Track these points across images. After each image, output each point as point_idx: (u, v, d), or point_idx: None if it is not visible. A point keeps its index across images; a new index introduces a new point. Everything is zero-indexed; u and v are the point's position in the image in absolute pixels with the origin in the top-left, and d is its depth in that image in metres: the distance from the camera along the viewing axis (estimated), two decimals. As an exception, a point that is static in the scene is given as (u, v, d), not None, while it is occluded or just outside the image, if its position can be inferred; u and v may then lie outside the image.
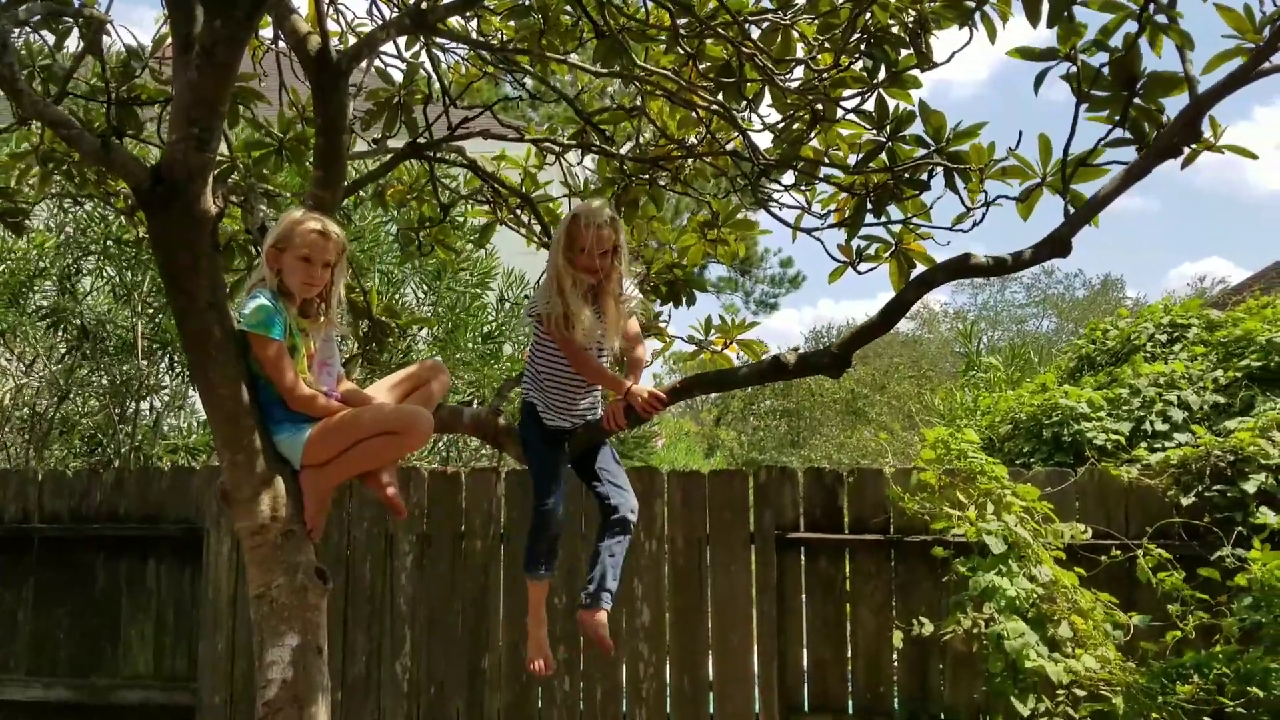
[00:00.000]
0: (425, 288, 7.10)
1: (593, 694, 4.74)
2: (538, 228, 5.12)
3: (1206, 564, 3.97)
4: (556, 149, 5.07)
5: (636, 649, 4.70)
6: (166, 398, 7.09)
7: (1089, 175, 3.38)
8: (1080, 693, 4.00)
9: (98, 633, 5.31)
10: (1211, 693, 3.59)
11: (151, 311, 6.80)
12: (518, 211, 5.26)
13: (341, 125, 3.61)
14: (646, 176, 4.92)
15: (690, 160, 4.74)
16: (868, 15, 3.72)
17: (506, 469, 5.00)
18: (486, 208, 5.24)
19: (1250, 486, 4.17)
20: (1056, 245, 3.02)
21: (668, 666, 4.71)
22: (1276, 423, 4.35)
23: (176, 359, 6.78)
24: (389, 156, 4.33)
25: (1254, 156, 3.27)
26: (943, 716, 4.50)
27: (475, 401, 6.49)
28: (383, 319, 4.99)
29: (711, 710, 4.66)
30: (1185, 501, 4.30)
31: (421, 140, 4.22)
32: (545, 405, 3.49)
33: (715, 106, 4.33)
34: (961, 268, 3.06)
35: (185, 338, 3.01)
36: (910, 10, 3.77)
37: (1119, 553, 4.13)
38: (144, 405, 6.95)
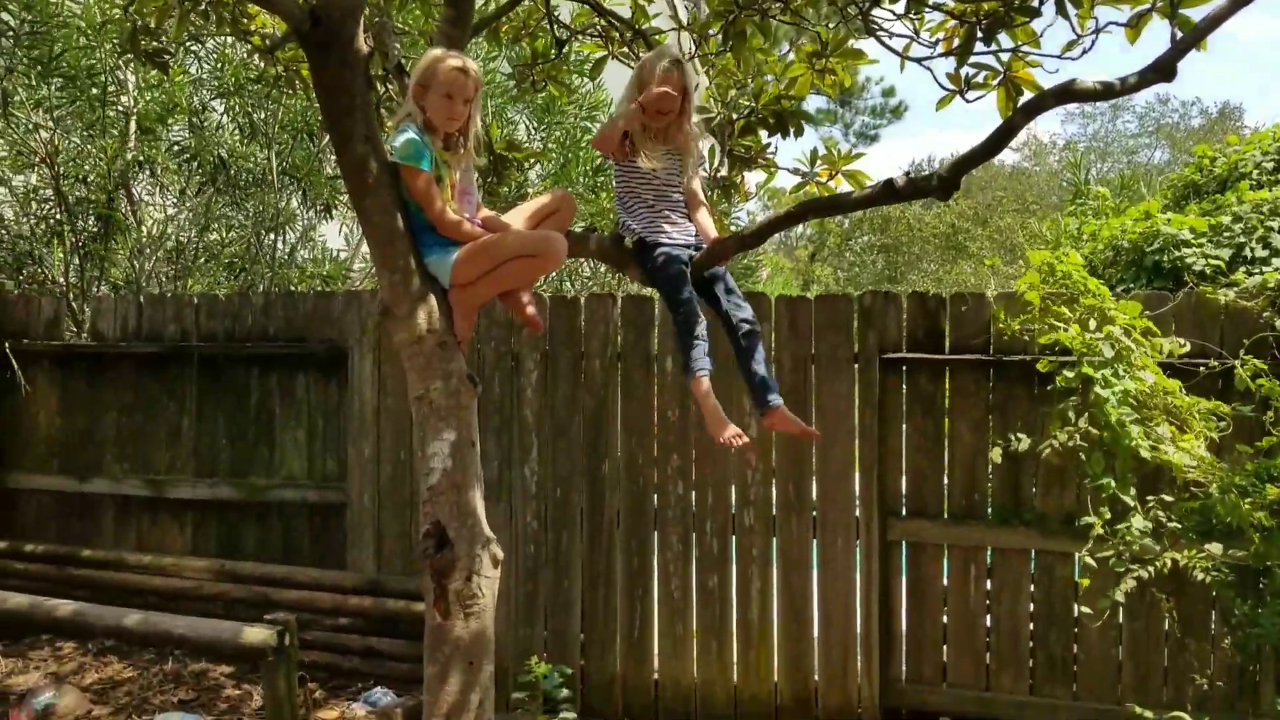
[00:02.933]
0: (535, 123, 7.32)
1: (704, 497, 5.15)
2: (649, 60, 5.28)
3: (1294, 381, 4.14)
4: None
5: (745, 458, 5.07)
6: (300, 229, 7.53)
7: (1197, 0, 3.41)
8: (1169, 498, 4.28)
9: (255, 439, 5.89)
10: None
11: (279, 147, 7.17)
12: (630, 46, 5.40)
13: (471, -37, 3.80)
14: (756, 7, 5.00)
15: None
16: None
17: (622, 294, 5.31)
18: (599, 40, 5.39)
19: (1346, 309, 4.28)
20: (1162, 70, 3.10)
21: (774, 476, 5.08)
22: (1379, 246, 4.41)
23: (309, 193, 7.18)
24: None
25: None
26: (1033, 519, 4.80)
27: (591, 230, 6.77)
28: (503, 153, 5.24)
29: (815, 514, 5.04)
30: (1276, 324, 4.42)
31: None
32: (648, 229, 3.74)
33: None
34: (1068, 92, 3.18)
35: (345, 169, 3.32)
36: None
37: (1216, 363, 4.31)
38: (276, 237, 7.40)
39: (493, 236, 3.39)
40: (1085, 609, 4.56)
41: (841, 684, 5.05)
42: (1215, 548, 4.20)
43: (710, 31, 5.30)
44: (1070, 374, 4.26)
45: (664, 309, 5.12)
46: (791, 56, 5.29)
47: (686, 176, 3.71)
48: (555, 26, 5.11)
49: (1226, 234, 5.02)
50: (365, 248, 7.48)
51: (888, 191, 3.35)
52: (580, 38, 5.45)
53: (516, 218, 3.62)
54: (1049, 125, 47.50)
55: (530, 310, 3.58)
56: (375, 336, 5.53)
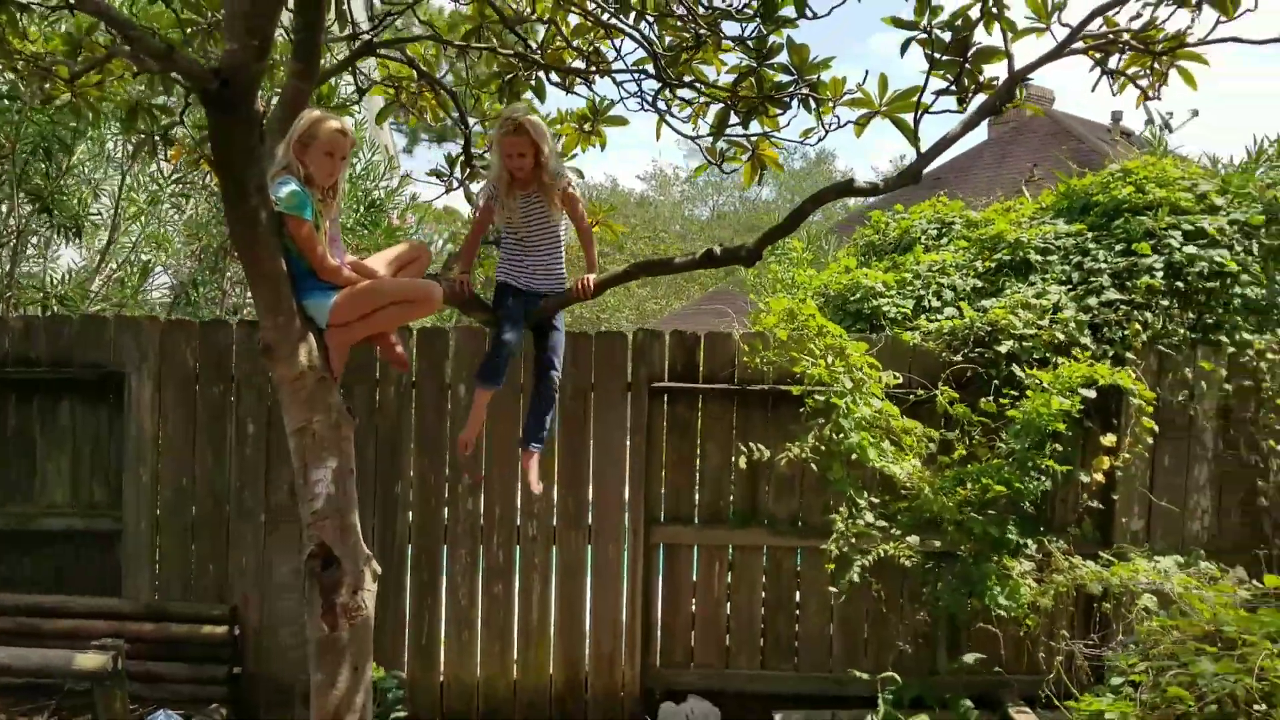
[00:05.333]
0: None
1: (492, 512, 5.55)
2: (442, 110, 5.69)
3: (975, 406, 5.25)
4: (453, 49, 5.55)
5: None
6: (30, 246, 6.99)
7: (907, 109, 4.33)
8: (875, 499, 5.24)
9: (14, 468, 5.55)
10: (979, 495, 4.87)
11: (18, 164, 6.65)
12: (417, 96, 5.73)
13: (320, 23, 4.04)
14: (532, 72, 5.51)
15: (587, 67, 5.36)
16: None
17: (418, 327, 5.59)
18: (389, 88, 5.67)
19: (1003, 349, 5.44)
20: (912, 175, 3.97)
21: (555, 490, 5.57)
22: (1022, 303, 5.63)
23: (53, 213, 6.70)
24: (347, 52, 4.73)
25: (1042, 113, 4.34)
26: (767, 521, 5.63)
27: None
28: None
29: (590, 522, 5.59)
30: (955, 359, 5.53)
31: (375, 40, 4.65)
32: (501, 272, 4.20)
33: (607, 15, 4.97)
34: (847, 188, 3.99)
35: (236, 219, 3.45)
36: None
37: (922, 392, 5.36)
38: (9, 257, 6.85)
39: (373, 282, 3.67)
40: (831, 588, 5.47)
41: (609, 672, 5.62)
42: (914, 539, 5.21)
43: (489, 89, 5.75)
44: (820, 399, 5.13)
45: (458, 340, 5.50)
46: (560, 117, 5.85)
47: (555, 212, 4.12)
48: (355, 75, 5.34)
49: (909, 288, 6.14)
50: (106, 268, 7.14)
51: (707, 258, 4.00)
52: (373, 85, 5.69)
53: (378, 264, 3.89)
54: (673, 158, 51.49)
55: (399, 349, 3.88)
56: (156, 363, 5.44)
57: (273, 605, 5.48)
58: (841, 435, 4.99)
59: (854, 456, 5.07)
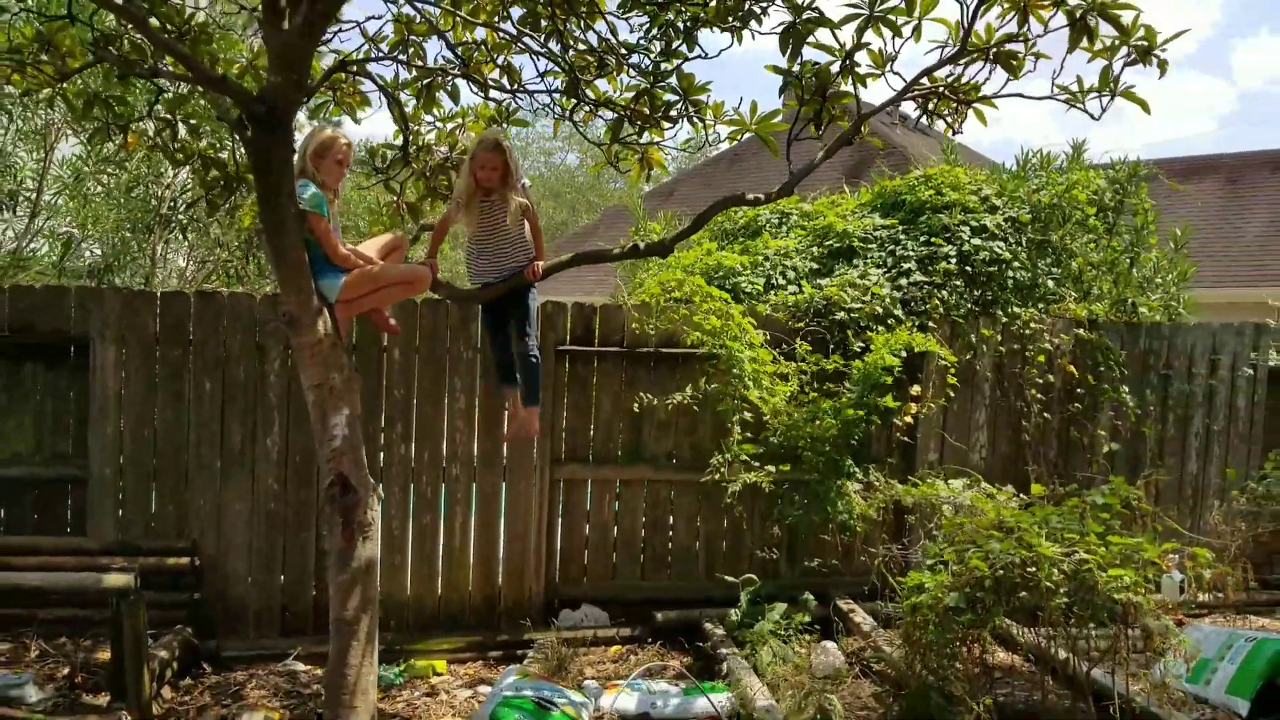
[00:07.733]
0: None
1: (422, 455, 6.33)
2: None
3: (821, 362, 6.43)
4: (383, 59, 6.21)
5: (455, 424, 6.34)
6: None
7: (769, 128, 5.38)
8: (740, 437, 6.34)
9: (-18, 423, 5.91)
10: (828, 429, 6.05)
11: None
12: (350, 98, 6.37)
13: (313, 51, 4.71)
14: (449, 79, 6.25)
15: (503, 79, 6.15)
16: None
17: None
18: (329, 91, 6.28)
19: (836, 318, 6.64)
20: (786, 190, 5.02)
21: (475, 436, 6.41)
22: (849, 282, 6.84)
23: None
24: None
25: (880, 146, 5.48)
26: (648, 456, 6.65)
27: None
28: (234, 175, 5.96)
29: (505, 463, 6.47)
30: (799, 326, 6.69)
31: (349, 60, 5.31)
32: (468, 268, 5.01)
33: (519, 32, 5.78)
34: (740, 198, 5.00)
35: (270, 216, 4.13)
36: (687, 10, 5.49)
37: (785, 346, 6.49)
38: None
39: (379, 266, 4.43)
40: (728, 498, 6.50)
41: (518, 586, 6.53)
42: (770, 468, 6.35)
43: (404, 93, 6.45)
44: (715, 349, 6.19)
45: (393, 312, 6.21)
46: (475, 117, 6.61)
47: (511, 219, 4.89)
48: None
49: (760, 268, 7.26)
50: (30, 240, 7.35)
51: (634, 251, 4.95)
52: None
53: (370, 250, 4.64)
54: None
55: (392, 321, 4.65)
56: (119, 329, 5.92)
57: (227, 540, 6.10)
58: (736, 374, 6.07)
59: (734, 399, 6.16)
